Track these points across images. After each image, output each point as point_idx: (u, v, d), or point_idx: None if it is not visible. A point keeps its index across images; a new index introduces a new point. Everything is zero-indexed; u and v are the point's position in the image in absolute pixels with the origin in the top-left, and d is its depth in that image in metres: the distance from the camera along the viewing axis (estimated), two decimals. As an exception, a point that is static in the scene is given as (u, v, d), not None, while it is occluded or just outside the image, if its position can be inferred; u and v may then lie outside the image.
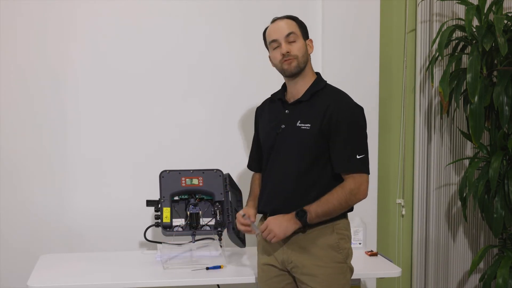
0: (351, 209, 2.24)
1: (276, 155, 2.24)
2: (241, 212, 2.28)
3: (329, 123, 2.13)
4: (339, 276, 2.18)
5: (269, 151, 2.27)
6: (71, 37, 2.97)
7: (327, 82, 2.28)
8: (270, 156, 2.26)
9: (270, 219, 2.17)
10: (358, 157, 2.13)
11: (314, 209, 2.11)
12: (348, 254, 2.22)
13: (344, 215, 2.23)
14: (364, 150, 2.16)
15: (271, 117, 2.30)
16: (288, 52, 2.17)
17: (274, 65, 2.27)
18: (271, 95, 2.37)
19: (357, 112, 2.18)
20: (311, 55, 2.26)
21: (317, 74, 2.28)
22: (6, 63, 2.94)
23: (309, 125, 2.15)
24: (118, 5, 2.99)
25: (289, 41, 2.19)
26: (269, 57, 2.29)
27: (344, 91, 2.25)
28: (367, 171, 2.16)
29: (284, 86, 2.32)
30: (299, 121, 2.18)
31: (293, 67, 2.18)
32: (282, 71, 2.24)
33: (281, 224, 2.13)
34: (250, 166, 2.50)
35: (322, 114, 2.14)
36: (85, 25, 2.98)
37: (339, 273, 2.18)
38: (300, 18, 2.29)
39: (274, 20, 2.27)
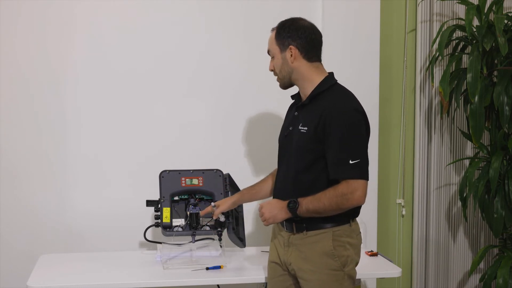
0: (357, 214, 2.20)
1: (282, 157, 2.28)
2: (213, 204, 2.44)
3: (324, 127, 2.08)
4: (333, 284, 2.14)
5: (278, 152, 2.32)
6: (71, 36, 2.97)
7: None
8: (279, 156, 2.31)
9: (264, 203, 2.20)
10: (351, 162, 2.05)
11: (305, 204, 2.09)
12: (347, 261, 2.15)
13: (345, 221, 2.16)
14: (359, 155, 2.06)
15: (287, 118, 2.35)
16: (271, 69, 2.26)
17: None
18: (291, 95, 2.34)
19: (352, 116, 2.09)
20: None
21: (328, 74, 2.21)
22: (6, 63, 2.93)
23: (306, 128, 2.14)
24: (118, 5, 2.99)
25: (271, 57, 2.25)
26: None
27: (346, 93, 2.18)
28: (362, 177, 2.06)
29: None
30: (300, 124, 2.17)
31: (280, 85, 2.26)
32: None
33: (272, 210, 2.15)
34: None
35: (318, 117, 2.10)
36: (85, 25, 2.97)
37: (333, 280, 2.14)
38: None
39: None
